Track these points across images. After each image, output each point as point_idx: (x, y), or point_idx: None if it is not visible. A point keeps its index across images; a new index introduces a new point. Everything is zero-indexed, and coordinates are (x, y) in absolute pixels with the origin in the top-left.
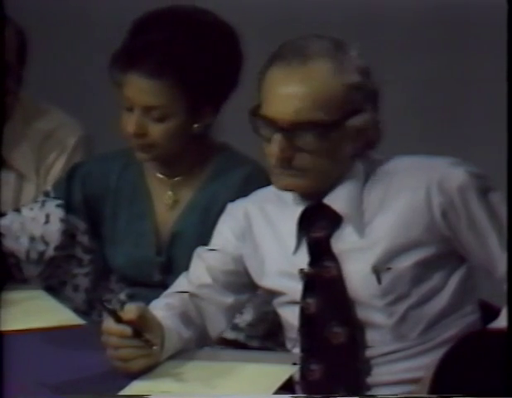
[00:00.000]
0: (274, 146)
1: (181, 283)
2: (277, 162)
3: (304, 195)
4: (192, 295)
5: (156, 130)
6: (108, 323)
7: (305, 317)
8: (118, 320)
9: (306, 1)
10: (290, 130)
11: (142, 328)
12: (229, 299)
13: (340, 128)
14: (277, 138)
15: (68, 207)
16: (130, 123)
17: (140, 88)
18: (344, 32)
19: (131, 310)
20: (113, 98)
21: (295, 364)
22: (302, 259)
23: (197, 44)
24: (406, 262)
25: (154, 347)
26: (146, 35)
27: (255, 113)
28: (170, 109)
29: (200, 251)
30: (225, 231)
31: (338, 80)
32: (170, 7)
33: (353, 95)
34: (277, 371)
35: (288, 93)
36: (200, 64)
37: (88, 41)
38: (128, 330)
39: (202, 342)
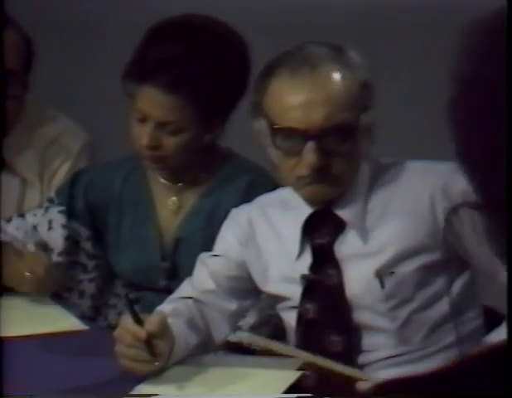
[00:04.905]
0: (309, 155)
1: (185, 288)
2: (313, 171)
3: (318, 201)
4: (196, 301)
5: (170, 143)
6: (127, 321)
7: (303, 322)
8: (138, 321)
9: (308, 4)
10: (322, 137)
11: (157, 335)
12: (233, 305)
13: (358, 127)
14: (312, 146)
15: (70, 214)
16: (143, 135)
17: (155, 103)
18: (344, 34)
19: (153, 323)
20: (118, 103)
21: (300, 369)
22: (305, 265)
23: (211, 57)
24: (409, 267)
25: (156, 363)
26: (160, 46)
27: (274, 128)
28: (183, 123)
29: (204, 257)
30: (229, 237)
31: (349, 79)
32: (182, 16)
33: (363, 92)
34: (282, 376)
35: (309, 100)
36: (213, 77)
37: (91, 43)
38: (142, 334)
39: (207, 347)
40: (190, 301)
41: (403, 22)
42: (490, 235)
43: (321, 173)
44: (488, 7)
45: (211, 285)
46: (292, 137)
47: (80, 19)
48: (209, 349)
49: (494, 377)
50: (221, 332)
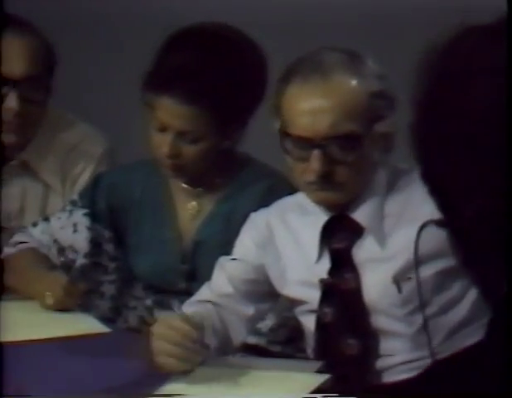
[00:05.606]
0: (314, 162)
1: (204, 292)
2: (318, 178)
3: (329, 206)
4: (215, 304)
5: (190, 152)
6: (173, 319)
7: (320, 325)
8: (185, 320)
9: (321, 3)
10: (327, 145)
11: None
12: (250, 309)
13: (368, 136)
14: (317, 154)
15: (93, 216)
16: (164, 145)
17: (175, 113)
18: (358, 35)
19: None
20: (134, 108)
21: (319, 372)
22: (324, 269)
23: (229, 66)
24: (426, 272)
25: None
26: (177, 56)
27: (285, 133)
28: (203, 131)
29: (223, 261)
30: (247, 241)
31: (360, 89)
32: (199, 25)
33: (376, 102)
34: (301, 379)
35: (317, 108)
36: (231, 86)
37: (99, 41)
38: (194, 334)
39: (225, 349)
40: (209, 304)
41: (402, 22)
42: (455, 249)
43: (326, 180)
44: (488, 7)
45: (229, 289)
46: (300, 143)
47: (98, 23)
48: (227, 352)
49: (470, 377)
50: (239, 335)
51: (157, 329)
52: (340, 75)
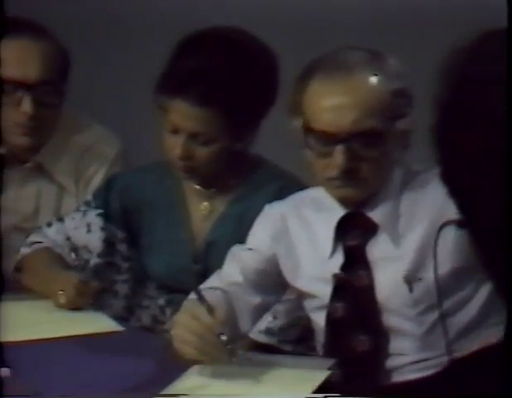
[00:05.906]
0: (338, 157)
1: (213, 280)
2: (341, 173)
3: (347, 202)
4: (224, 292)
5: (202, 154)
6: (199, 310)
7: (331, 320)
8: (210, 312)
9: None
10: (350, 141)
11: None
12: (257, 299)
13: (390, 133)
14: (341, 149)
15: (107, 217)
16: (176, 146)
17: (187, 115)
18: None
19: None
20: (145, 110)
21: (330, 369)
22: (337, 265)
23: (240, 69)
24: (440, 272)
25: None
26: (189, 60)
27: (308, 129)
28: (215, 133)
29: (235, 250)
30: (260, 231)
31: (382, 87)
32: (211, 29)
33: (397, 100)
34: (310, 376)
35: (340, 104)
36: (243, 89)
37: (112, 43)
38: (217, 329)
39: (233, 338)
40: (218, 292)
41: (403, 22)
42: (474, 249)
43: (349, 176)
44: (488, 6)
45: (239, 278)
46: (323, 139)
47: (111, 25)
48: (235, 341)
49: (488, 377)
50: (245, 323)
51: (181, 317)
52: (362, 72)
